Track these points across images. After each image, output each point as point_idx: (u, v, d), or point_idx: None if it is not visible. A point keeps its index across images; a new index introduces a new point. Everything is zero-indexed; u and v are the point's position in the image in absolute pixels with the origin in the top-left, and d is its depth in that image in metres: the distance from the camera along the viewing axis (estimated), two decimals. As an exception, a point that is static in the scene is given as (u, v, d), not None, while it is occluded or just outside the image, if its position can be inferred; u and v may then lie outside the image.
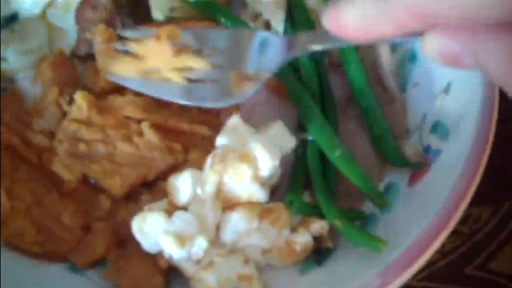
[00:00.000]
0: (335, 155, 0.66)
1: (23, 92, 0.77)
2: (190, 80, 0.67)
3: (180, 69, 0.67)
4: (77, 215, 0.69)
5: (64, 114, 0.74)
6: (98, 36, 0.75)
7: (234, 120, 0.68)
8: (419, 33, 0.43)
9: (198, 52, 0.68)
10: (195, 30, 0.70)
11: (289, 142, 0.68)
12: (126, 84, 0.70)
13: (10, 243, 0.67)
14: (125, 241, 0.67)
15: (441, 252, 0.77)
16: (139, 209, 0.67)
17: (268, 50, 0.65)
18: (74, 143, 0.71)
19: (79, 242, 0.68)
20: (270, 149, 0.64)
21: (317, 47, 0.60)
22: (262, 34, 0.66)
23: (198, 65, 0.67)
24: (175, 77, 0.67)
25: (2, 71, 0.77)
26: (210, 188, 0.63)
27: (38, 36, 0.78)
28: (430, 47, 0.42)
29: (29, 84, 0.77)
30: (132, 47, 0.70)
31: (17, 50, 0.77)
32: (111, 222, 0.68)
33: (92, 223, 0.69)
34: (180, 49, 0.68)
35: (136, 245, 0.65)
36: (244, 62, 0.66)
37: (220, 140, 0.66)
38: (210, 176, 0.63)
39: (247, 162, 0.63)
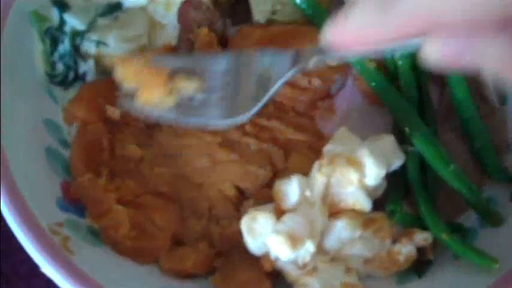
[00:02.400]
0: (448, 170, 0.65)
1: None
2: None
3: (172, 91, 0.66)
4: (171, 218, 0.71)
5: None
6: (199, 39, 0.76)
7: (342, 130, 0.68)
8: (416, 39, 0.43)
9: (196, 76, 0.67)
10: (195, 56, 0.69)
11: (398, 158, 0.66)
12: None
13: (105, 233, 0.69)
14: (228, 252, 0.68)
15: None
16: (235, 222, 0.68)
17: (272, 68, 0.63)
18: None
19: (171, 249, 0.69)
20: (377, 157, 0.64)
21: (321, 59, 0.58)
22: (264, 53, 0.65)
23: (192, 86, 0.66)
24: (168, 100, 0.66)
25: (105, 58, 0.79)
26: (318, 189, 0.64)
27: (137, 26, 0.80)
28: (431, 48, 0.42)
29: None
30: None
31: (118, 37, 0.79)
32: (207, 239, 0.69)
33: (186, 239, 0.70)
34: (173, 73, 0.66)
35: (241, 253, 0.66)
36: (246, 82, 0.64)
37: (328, 148, 0.66)
38: (318, 178, 0.64)
39: (354, 167, 0.63)
